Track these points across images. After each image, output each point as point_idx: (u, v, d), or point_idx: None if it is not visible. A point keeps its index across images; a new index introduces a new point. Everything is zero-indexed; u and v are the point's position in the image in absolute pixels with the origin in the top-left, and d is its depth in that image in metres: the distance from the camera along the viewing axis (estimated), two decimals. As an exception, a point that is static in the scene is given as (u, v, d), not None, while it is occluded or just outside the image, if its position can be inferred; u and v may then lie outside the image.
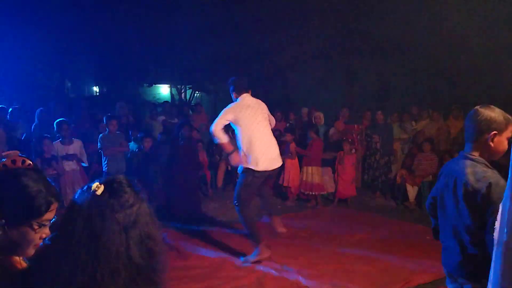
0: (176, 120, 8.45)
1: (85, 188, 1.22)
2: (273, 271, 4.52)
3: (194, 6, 12.98)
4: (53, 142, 5.98)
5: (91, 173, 6.70)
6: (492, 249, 1.54)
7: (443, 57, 11.37)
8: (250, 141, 4.56)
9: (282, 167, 5.43)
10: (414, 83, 12.82)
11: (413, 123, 8.59)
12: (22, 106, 8.14)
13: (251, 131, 4.56)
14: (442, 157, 7.04)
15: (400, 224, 6.29)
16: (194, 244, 5.35)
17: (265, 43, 12.82)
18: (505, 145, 2.24)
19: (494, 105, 2.28)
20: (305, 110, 9.14)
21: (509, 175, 1.49)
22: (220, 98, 16.00)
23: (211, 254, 5.07)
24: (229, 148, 4.71)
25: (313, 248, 5.14)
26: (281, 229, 4.95)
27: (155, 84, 17.48)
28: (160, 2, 13.06)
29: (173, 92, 18.10)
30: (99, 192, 1.18)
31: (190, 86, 16.04)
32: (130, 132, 6.98)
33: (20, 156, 1.30)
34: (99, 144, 6.32)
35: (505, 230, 1.47)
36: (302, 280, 4.32)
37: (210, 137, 5.06)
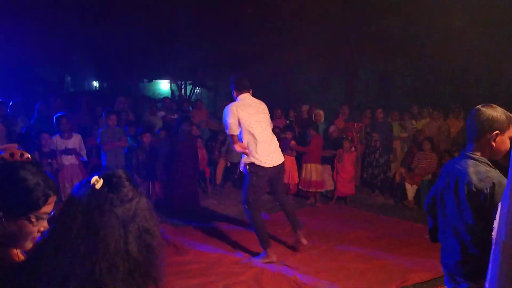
0: (175, 116, 8.45)
1: (84, 182, 1.22)
2: (270, 268, 4.53)
3: (196, 2, 12.96)
4: (53, 136, 5.98)
5: (90, 168, 6.70)
6: None
7: (444, 56, 11.36)
8: (251, 139, 4.55)
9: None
10: (414, 82, 12.83)
11: (413, 121, 8.60)
12: (22, 100, 8.13)
13: (252, 130, 4.56)
14: (441, 156, 7.04)
15: (398, 223, 6.29)
16: (192, 240, 5.36)
17: (266, 40, 12.80)
18: (507, 144, 2.23)
19: (495, 105, 2.28)
20: (305, 108, 9.13)
21: (508, 175, 1.49)
22: (220, 95, 16.02)
23: (209, 249, 5.08)
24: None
25: (311, 245, 5.14)
26: (304, 241, 4.97)
27: (155, 79, 17.50)
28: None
29: (173, 88, 18.11)
30: (98, 186, 1.18)
31: (190, 82, 16.05)
32: (127, 128, 6.96)
33: (18, 149, 1.30)
34: (98, 138, 6.32)
35: (504, 229, 1.47)
36: (299, 277, 4.32)
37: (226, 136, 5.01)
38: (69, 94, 13.55)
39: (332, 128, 7.81)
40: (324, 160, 7.38)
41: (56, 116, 6.10)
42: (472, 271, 2.23)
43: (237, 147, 4.65)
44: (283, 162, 4.84)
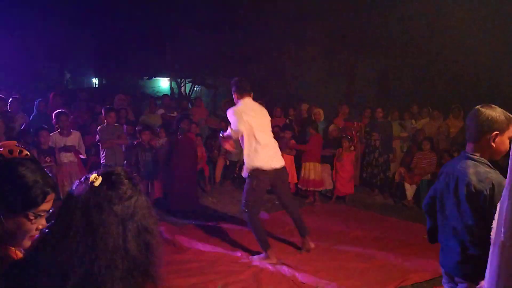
0: (175, 114, 8.44)
1: (83, 179, 1.21)
2: (270, 267, 4.53)
3: (196, 0, 12.95)
4: (52, 133, 5.97)
5: (89, 165, 6.69)
6: None
7: (443, 56, 11.36)
8: (253, 144, 4.55)
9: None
10: (414, 82, 12.81)
11: (413, 121, 8.60)
12: (21, 97, 8.11)
13: (255, 135, 4.55)
14: (441, 156, 7.04)
15: (397, 222, 6.29)
16: (191, 238, 5.35)
17: (266, 39, 12.78)
18: (506, 144, 2.23)
19: (494, 105, 2.27)
20: (304, 106, 9.12)
21: (507, 176, 1.49)
22: (219, 93, 16.00)
23: (208, 248, 5.07)
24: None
25: (310, 245, 5.14)
26: (312, 244, 4.96)
27: (155, 77, 17.46)
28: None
29: (172, 86, 18.07)
30: (97, 183, 1.17)
31: (190, 80, 16.01)
32: (125, 126, 6.93)
33: (17, 146, 1.30)
34: (97, 136, 6.31)
35: (502, 230, 1.47)
36: (298, 276, 4.32)
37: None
38: (69, 91, 13.51)
39: (331, 127, 7.81)
40: (323, 160, 7.38)
41: (55, 113, 6.09)
42: (472, 271, 2.23)
43: (227, 146, 4.74)
44: (284, 166, 4.85)
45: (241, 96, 4.70)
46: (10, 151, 1.27)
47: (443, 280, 2.53)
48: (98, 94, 13.30)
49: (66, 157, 6.01)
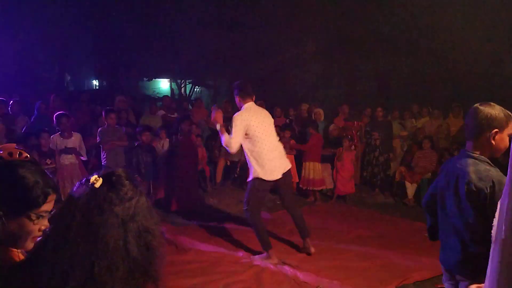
0: (175, 115, 8.44)
1: (83, 181, 1.22)
2: (271, 266, 4.53)
3: (195, 0, 12.95)
4: (53, 135, 5.97)
5: (90, 167, 6.70)
6: None
7: (443, 55, 11.35)
8: (257, 149, 4.53)
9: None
10: (414, 81, 12.81)
11: (413, 120, 8.60)
12: (22, 99, 8.12)
13: (259, 140, 4.53)
14: (441, 155, 7.04)
15: (398, 221, 6.29)
16: (192, 239, 5.36)
17: (266, 39, 12.79)
18: (506, 142, 2.23)
19: (495, 103, 2.27)
20: (305, 106, 9.13)
21: (508, 173, 1.49)
22: (220, 93, 16.01)
23: (209, 249, 5.08)
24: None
25: (311, 244, 5.14)
26: (312, 249, 4.91)
27: (155, 78, 17.49)
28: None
29: (173, 87, 18.10)
30: (97, 185, 1.18)
31: (190, 80, 16.03)
32: (124, 128, 6.92)
33: (16, 148, 1.30)
34: (98, 138, 6.31)
35: (503, 227, 1.47)
36: (300, 276, 4.32)
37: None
38: (69, 93, 13.54)
39: (332, 127, 7.81)
40: (324, 159, 7.38)
41: (56, 115, 6.09)
42: (473, 269, 2.23)
43: (218, 117, 4.65)
44: (290, 169, 4.84)
45: (244, 100, 4.67)
46: (10, 154, 1.28)
47: (444, 278, 2.53)
48: (98, 95, 13.32)
49: (67, 159, 6.01)
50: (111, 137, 6.31)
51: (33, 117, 7.16)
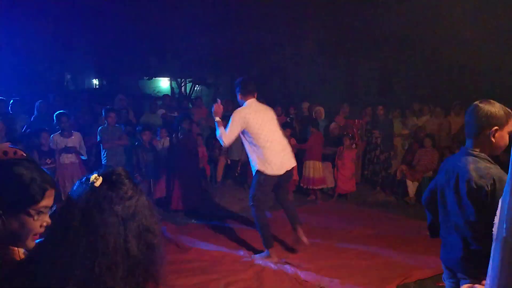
0: (176, 114, 8.44)
1: (83, 180, 1.21)
2: (272, 265, 4.53)
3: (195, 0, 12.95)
4: (53, 135, 5.97)
5: (90, 166, 6.69)
6: None
7: (444, 53, 11.34)
8: (261, 146, 4.51)
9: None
10: (415, 79, 12.81)
11: (414, 118, 8.59)
12: (22, 99, 8.12)
13: (262, 136, 4.50)
14: (443, 153, 7.04)
15: (399, 220, 6.29)
16: (193, 238, 5.36)
17: (266, 37, 12.78)
18: (506, 139, 2.23)
19: (496, 101, 2.26)
20: (305, 105, 9.13)
21: (509, 170, 1.49)
22: (220, 92, 15.99)
23: (210, 248, 5.08)
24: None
25: (312, 243, 5.13)
26: (304, 239, 4.88)
27: (155, 77, 17.47)
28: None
29: (173, 86, 18.08)
30: (97, 184, 1.17)
31: (190, 79, 16.02)
32: (123, 127, 6.92)
33: (11, 147, 1.31)
34: (98, 137, 6.31)
35: (504, 225, 1.46)
36: (301, 275, 4.32)
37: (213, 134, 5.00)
38: (69, 92, 13.54)
39: (332, 126, 7.81)
40: (325, 158, 7.38)
41: (56, 114, 6.09)
42: (474, 267, 2.22)
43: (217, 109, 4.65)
44: (294, 166, 4.83)
45: (245, 97, 4.65)
46: (5, 153, 1.28)
47: (444, 275, 2.53)
48: (98, 94, 13.30)
49: (68, 158, 6.02)
50: (111, 136, 6.31)
51: (33, 116, 7.16)
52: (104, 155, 6.31)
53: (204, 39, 13.28)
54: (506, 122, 2.20)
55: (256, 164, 4.59)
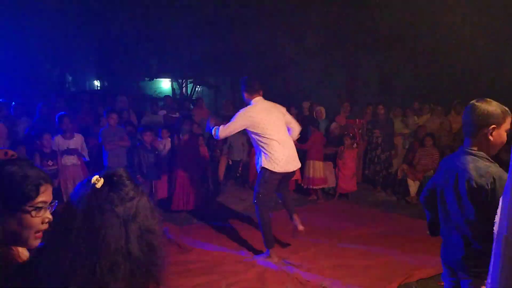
0: (177, 115, 8.45)
1: (85, 181, 1.22)
2: (274, 266, 4.53)
3: (195, 0, 12.95)
4: (55, 136, 5.98)
5: (92, 168, 6.70)
6: None
7: (445, 52, 11.34)
8: (268, 145, 4.50)
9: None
10: (416, 78, 12.80)
11: (415, 118, 8.59)
12: (23, 101, 8.13)
13: (269, 135, 4.50)
14: (443, 152, 7.04)
15: (401, 219, 6.29)
16: (195, 239, 5.36)
17: (266, 38, 12.78)
18: (504, 137, 2.23)
19: (496, 100, 2.27)
20: (306, 104, 9.12)
21: (509, 169, 1.49)
22: (221, 93, 16.01)
23: (212, 248, 5.08)
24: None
25: (313, 243, 5.15)
26: (300, 227, 4.88)
27: (156, 78, 17.48)
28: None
29: (174, 86, 18.09)
30: (98, 185, 1.18)
31: (192, 80, 16.03)
32: (124, 127, 6.92)
33: (1, 149, 1.32)
34: (100, 138, 6.32)
35: (505, 224, 1.46)
36: (302, 275, 4.33)
37: (208, 132, 5.01)
38: (71, 94, 13.54)
39: (333, 125, 7.81)
40: (326, 157, 7.38)
41: (57, 116, 6.10)
42: (475, 266, 2.23)
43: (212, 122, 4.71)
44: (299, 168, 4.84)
45: (251, 95, 4.63)
46: None
47: (443, 274, 2.53)
48: (100, 96, 13.31)
49: (69, 160, 6.02)
50: (112, 138, 6.31)
51: (35, 118, 7.16)
52: (106, 157, 6.32)
53: (205, 40, 13.30)
54: (503, 120, 2.20)
55: (261, 161, 4.59)
